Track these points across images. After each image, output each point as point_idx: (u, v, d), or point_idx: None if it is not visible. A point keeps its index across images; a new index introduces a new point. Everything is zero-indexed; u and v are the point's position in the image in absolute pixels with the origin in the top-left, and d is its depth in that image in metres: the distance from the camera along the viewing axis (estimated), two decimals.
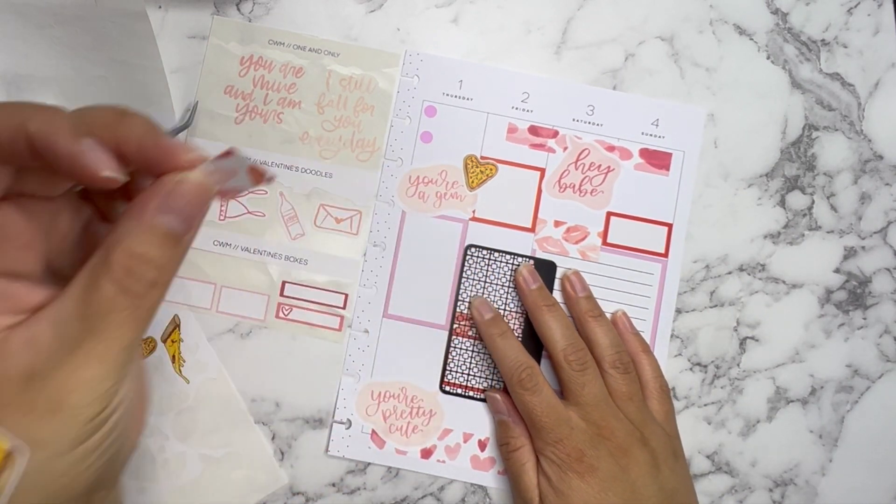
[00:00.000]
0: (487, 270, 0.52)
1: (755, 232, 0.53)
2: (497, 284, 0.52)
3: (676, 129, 0.53)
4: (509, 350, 0.49)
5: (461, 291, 0.52)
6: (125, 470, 0.31)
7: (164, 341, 0.52)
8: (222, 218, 0.53)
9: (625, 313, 0.52)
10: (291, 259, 0.53)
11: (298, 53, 0.53)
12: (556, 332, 0.49)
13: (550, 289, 0.52)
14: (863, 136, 0.53)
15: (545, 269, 0.52)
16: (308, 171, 0.53)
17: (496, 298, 0.52)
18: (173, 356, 0.52)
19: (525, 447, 0.48)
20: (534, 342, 0.51)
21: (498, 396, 0.50)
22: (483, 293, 0.52)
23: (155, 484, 0.51)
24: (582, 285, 0.51)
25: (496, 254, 0.52)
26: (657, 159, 0.53)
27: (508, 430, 0.49)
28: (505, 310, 0.52)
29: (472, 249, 0.52)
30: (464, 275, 0.52)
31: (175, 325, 0.52)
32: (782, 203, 0.53)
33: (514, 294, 0.52)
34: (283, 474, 0.52)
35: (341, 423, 0.52)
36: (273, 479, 0.52)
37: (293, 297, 0.53)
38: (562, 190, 0.53)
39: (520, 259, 0.52)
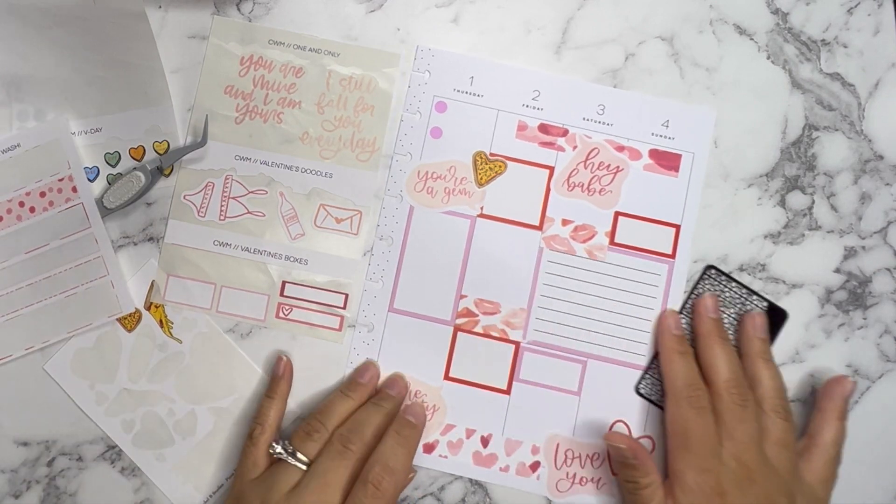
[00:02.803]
0: (719, 298, 0.52)
1: (755, 232, 0.53)
2: (724, 315, 0.52)
3: (686, 130, 0.53)
4: (686, 368, 0.49)
5: (685, 308, 0.52)
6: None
7: (148, 308, 0.53)
8: (222, 218, 0.53)
9: (760, 314, 0.51)
10: (291, 259, 0.53)
11: (298, 53, 0.53)
12: (722, 362, 0.48)
13: (774, 336, 0.52)
14: (863, 136, 0.53)
15: (775, 316, 0.52)
16: (308, 171, 0.53)
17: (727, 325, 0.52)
18: (160, 321, 0.53)
19: (654, 483, 0.47)
20: None
21: (622, 445, 0.48)
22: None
23: (171, 448, 0.52)
24: (763, 327, 0.51)
25: (734, 283, 0.52)
26: (666, 160, 0.53)
27: (636, 470, 0.48)
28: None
29: (712, 271, 0.52)
30: (694, 293, 0.52)
31: (153, 289, 0.53)
32: (782, 203, 0.53)
33: (736, 327, 0.52)
34: (293, 406, 0.52)
35: None
36: (286, 413, 0.52)
37: (293, 297, 0.53)
38: (570, 189, 0.53)
39: (755, 297, 0.52)
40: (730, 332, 0.52)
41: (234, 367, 0.52)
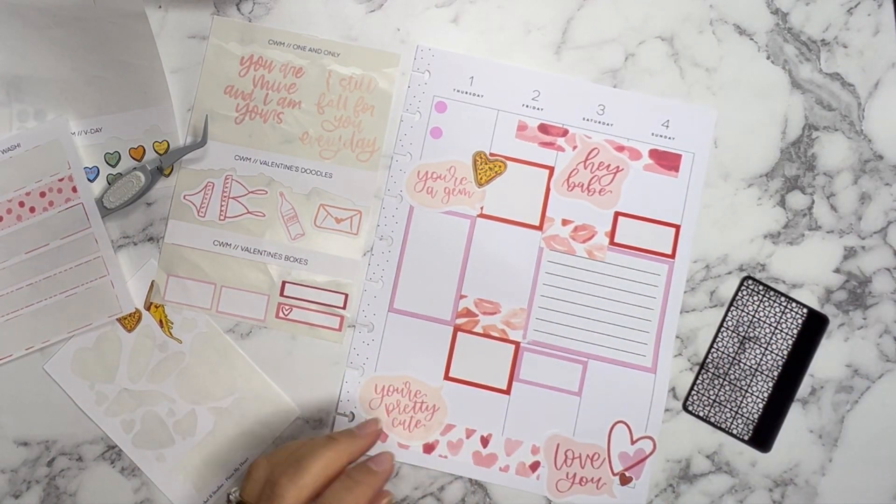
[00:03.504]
0: (759, 306, 0.52)
1: (755, 232, 0.53)
2: (765, 324, 0.52)
3: (686, 130, 0.53)
4: None
5: (727, 320, 0.52)
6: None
7: (148, 308, 0.53)
8: (222, 218, 0.53)
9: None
10: (291, 259, 0.53)
11: (298, 53, 0.53)
12: None
13: (815, 345, 0.52)
14: (863, 136, 0.53)
15: (816, 322, 0.52)
16: (308, 171, 0.53)
17: (760, 335, 0.52)
18: (160, 321, 0.53)
19: None
20: (786, 391, 0.52)
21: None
22: (749, 329, 0.52)
23: (171, 448, 0.52)
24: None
25: (772, 292, 0.52)
26: (667, 160, 0.53)
27: None
28: (768, 350, 0.52)
29: (749, 281, 0.52)
30: (734, 305, 0.52)
31: (153, 289, 0.53)
32: (782, 203, 0.53)
33: (777, 336, 0.52)
34: (294, 406, 0.52)
35: (344, 415, 0.52)
36: (286, 413, 0.53)
37: (293, 297, 0.53)
38: (570, 189, 0.53)
39: (794, 304, 0.52)
40: (770, 341, 0.52)
41: (234, 367, 0.52)
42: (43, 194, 0.51)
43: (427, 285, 0.53)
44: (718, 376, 0.52)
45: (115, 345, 0.52)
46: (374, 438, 0.49)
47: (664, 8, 0.54)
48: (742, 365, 0.52)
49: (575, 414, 0.52)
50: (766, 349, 0.52)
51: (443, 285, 0.53)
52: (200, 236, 0.53)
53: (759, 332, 0.52)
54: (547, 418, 0.52)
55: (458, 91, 0.53)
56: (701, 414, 0.52)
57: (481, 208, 0.53)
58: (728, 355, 0.52)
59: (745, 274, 0.53)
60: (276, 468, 0.43)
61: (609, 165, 0.53)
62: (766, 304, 0.52)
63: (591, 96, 0.53)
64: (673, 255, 0.53)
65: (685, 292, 0.53)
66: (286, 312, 0.53)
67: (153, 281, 0.53)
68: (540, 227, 0.53)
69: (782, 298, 0.52)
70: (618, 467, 0.52)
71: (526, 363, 0.52)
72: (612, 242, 0.53)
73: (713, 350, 0.52)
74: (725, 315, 0.53)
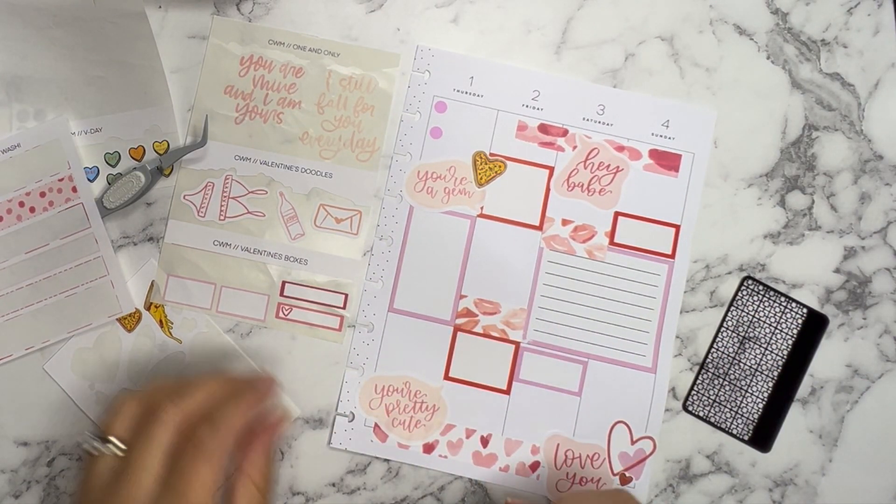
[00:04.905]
0: (759, 306, 0.52)
1: (755, 232, 0.53)
2: (765, 324, 0.52)
3: (686, 130, 0.53)
4: None
5: (727, 320, 0.52)
6: None
7: (148, 308, 0.53)
8: (222, 218, 0.53)
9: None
10: (291, 259, 0.53)
11: (298, 53, 0.53)
12: None
13: (814, 345, 0.52)
14: (863, 136, 0.53)
15: (816, 322, 0.52)
16: (308, 171, 0.53)
17: (760, 335, 0.52)
18: (160, 321, 0.53)
19: None
20: (786, 391, 0.52)
21: None
22: (749, 329, 0.52)
23: None
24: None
25: (772, 292, 0.52)
26: (667, 160, 0.53)
27: None
28: (768, 350, 0.52)
29: (749, 281, 0.52)
30: (734, 305, 0.52)
31: (153, 289, 0.53)
32: (782, 203, 0.53)
33: (777, 336, 0.52)
34: (295, 408, 0.52)
35: (344, 415, 0.52)
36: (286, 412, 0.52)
37: (293, 297, 0.53)
38: (570, 189, 0.53)
39: (794, 304, 0.52)
40: (770, 341, 0.52)
41: (234, 367, 0.52)
42: (43, 194, 0.51)
43: (427, 285, 0.53)
44: (718, 376, 0.52)
45: (115, 345, 0.52)
46: (265, 390, 0.45)
47: (664, 8, 0.54)
48: (742, 365, 0.52)
49: (575, 414, 0.52)
50: (766, 349, 0.52)
51: (443, 285, 0.53)
52: (200, 236, 0.53)
53: (759, 332, 0.52)
54: (547, 418, 0.52)
55: (458, 91, 0.53)
56: (701, 414, 0.52)
57: (481, 208, 0.53)
58: (728, 355, 0.52)
59: (745, 274, 0.53)
60: (154, 398, 0.41)
61: (609, 165, 0.53)
62: (766, 304, 0.52)
63: (590, 96, 0.53)
64: (673, 255, 0.53)
65: (685, 292, 0.53)
66: (286, 312, 0.53)
67: (153, 281, 0.53)
68: (540, 227, 0.53)
69: (782, 298, 0.52)
70: (618, 467, 0.52)
71: (526, 363, 0.52)
72: (612, 242, 0.53)
73: (713, 350, 0.52)
74: (725, 315, 0.53)
